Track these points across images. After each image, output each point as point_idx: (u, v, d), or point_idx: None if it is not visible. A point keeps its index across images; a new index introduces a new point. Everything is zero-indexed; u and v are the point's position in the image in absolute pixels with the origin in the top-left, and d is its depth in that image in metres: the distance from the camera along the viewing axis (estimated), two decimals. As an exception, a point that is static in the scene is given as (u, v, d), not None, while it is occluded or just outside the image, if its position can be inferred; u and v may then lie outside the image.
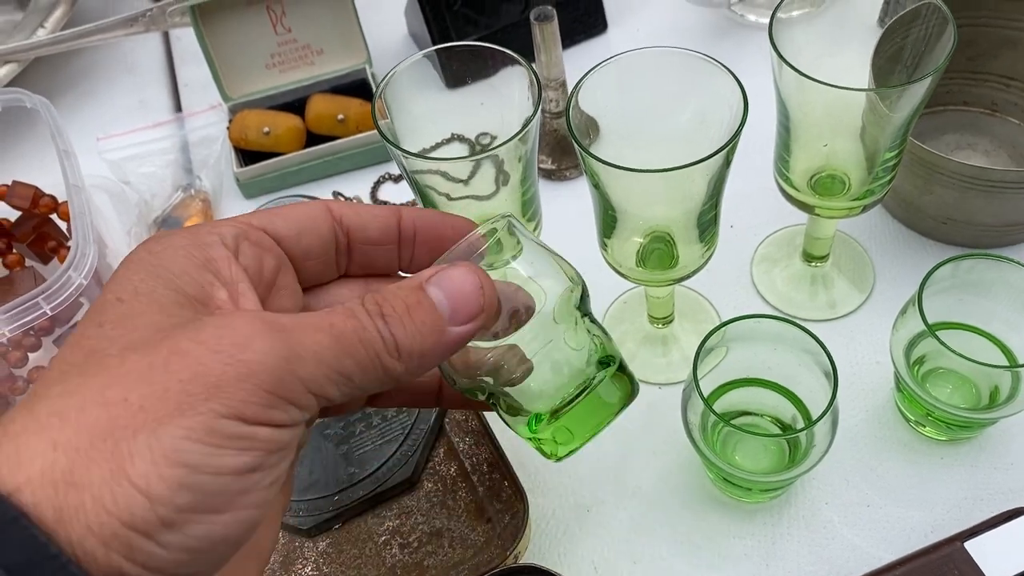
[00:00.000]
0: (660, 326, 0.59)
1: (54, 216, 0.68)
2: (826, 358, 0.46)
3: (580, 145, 0.44)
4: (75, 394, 0.27)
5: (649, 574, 0.51)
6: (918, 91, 0.46)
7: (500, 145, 0.45)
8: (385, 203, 0.70)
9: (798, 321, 0.48)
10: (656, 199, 0.47)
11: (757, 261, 0.63)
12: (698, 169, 0.43)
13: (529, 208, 0.51)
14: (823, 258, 0.60)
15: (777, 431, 0.52)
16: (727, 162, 0.45)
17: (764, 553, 0.51)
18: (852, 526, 0.51)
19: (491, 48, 0.47)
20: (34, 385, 0.39)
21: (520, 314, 0.35)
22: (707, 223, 0.49)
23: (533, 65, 0.49)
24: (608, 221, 0.49)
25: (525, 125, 0.45)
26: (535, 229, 0.53)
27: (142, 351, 0.27)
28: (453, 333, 0.31)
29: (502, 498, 0.51)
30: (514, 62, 0.47)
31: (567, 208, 0.65)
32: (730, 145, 0.43)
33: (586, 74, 0.47)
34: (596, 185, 0.47)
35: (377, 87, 0.46)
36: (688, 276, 0.51)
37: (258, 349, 0.27)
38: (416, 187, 0.48)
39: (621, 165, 0.43)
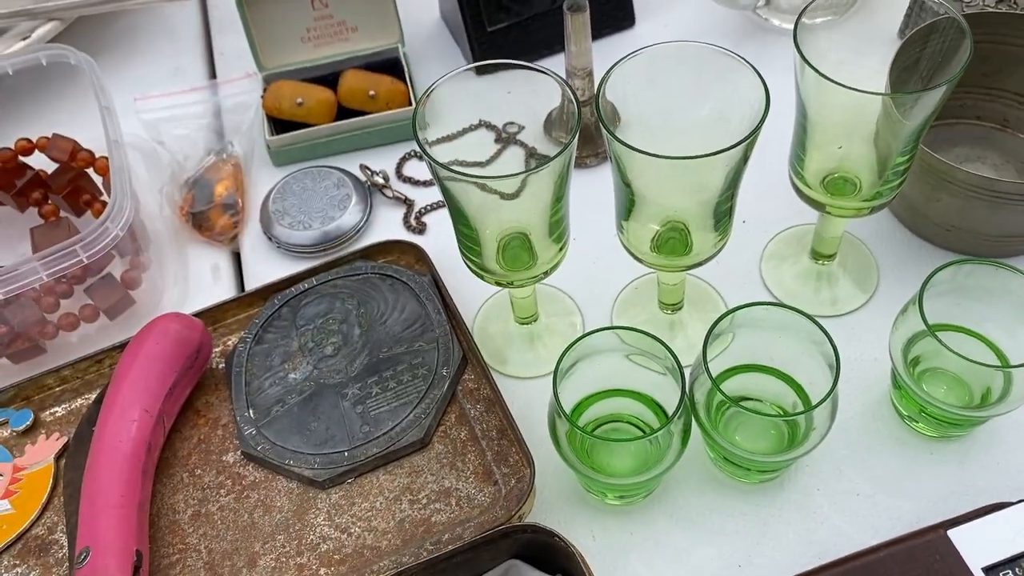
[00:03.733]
0: (669, 312, 0.62)
1: (90, 171, 0.70)
2: (830, 347, 0.48)
3: (608, 130, 0.46)
4: None
5: (645, 545, 0.53)
6: (931, 99, 0.48)
7: (536, 168, 0.46)
8: (409, 179, 0.73)
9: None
10: (675, 188, 0.50)
11: (766, 257, 0.65)
12: (718, 159, 0.45)
13: (557, 228, 0.52)
14: (830, 257, 0.62)
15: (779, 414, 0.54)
16: (745, 157, 0.48)
17: (756, 532, 0.53)
18: (841, 512, 0.54)
19: (533, 67, 0.49)
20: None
21: None
22: (722, 214, 0.51)
23: (563, 71, 0.50)
24: (627, 206, 0.52)
25: (564, 148, 0.46)
26: (561, 249, 0.54)
27: None
28: None
29: (509, 463, 0.53)
30: (554, 80, 0.49)
31: (586, 195, 0.67)
32: (750, 139, 0.45)
33: (616, 63, 0.49)
34: (619, 171, 0.49)
35: (418, 100, 0.48)
36: (700, 263, 0.53)
37: None
38: (441, 185, 0.50)
39: (649, 152, 0.45)
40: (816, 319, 0.49)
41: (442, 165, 0.47)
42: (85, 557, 0.49)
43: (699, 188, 0.49)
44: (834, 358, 0.48)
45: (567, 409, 0.51)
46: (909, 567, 0.45)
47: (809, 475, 0.55)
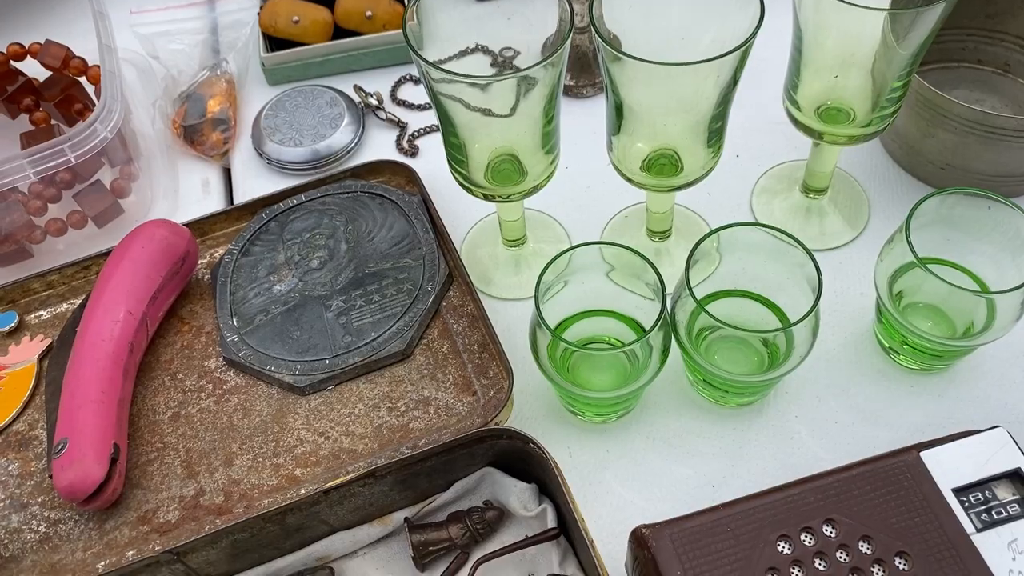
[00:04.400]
0: (657, 240, 0.61)
1: (83, 80, 0.70)
2: (813, 268, 0.48)
3: (600, 35, 0.46)
4: None
5: (621, 463, 0.54)
6: (930, 18, 0.47)
7: (527, 68, 0.45)
8: (404, 102, 0.72)
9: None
10: (666, 104, 0.49)
11: (757, 191, 0.65)
12: (709, 68, 0.44)
13: (549, 141, 0.52)
14: (822, 191, 0.62)
15: (759, 341, 0.54)
16: (735, 76, 0.47)
17: (732, 454, 0.54)
18: (819, 439, 0.54)
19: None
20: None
21: None
22: (713, 134, 0.51)
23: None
24: (617, 121, 0.51)
25: (555, 51, 0.46)
26: (552, 162, 0.54)
27: None
28: None
29: (489, 375, 0.54)
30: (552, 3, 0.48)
31: (583, 126, 0.67)
32: (743, 48, 0.45)
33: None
34: (611, 84, 0.49)
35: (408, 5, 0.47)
36: (691, 184, 0.53)
37: None
38: (433, 96, 0.49)
39: (640, 57, 0.44)
40: (799, 240, 0.49)
41: (434, 65, 0.46)
42: (62, 448, 0.50)
43: (690, 106, 0.49)
44: (816, 280, 0.48)
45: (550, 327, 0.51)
46: (881, 485, 0.45)
47: (788, 402, 0.55)
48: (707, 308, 0.54)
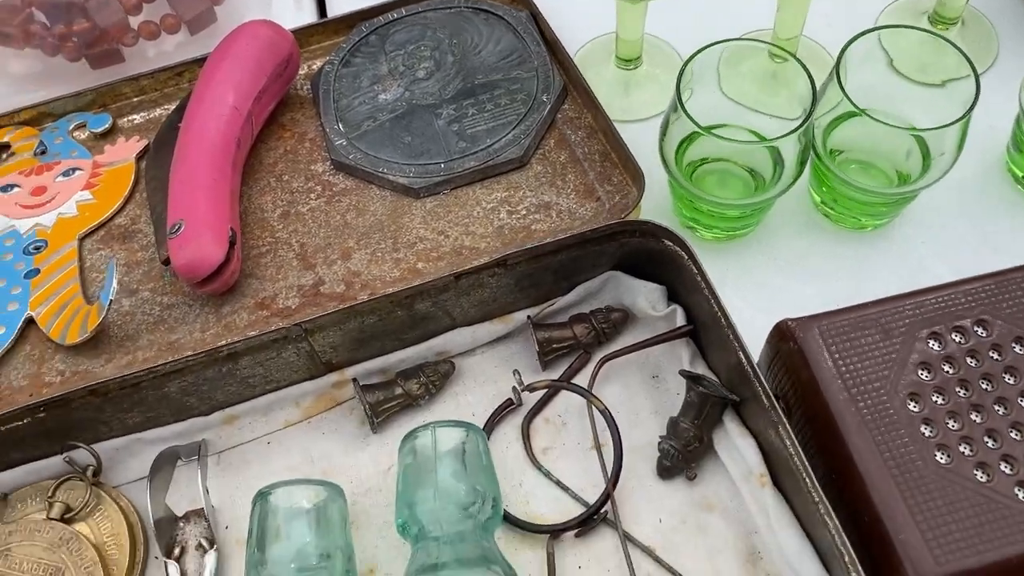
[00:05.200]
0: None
1: None
2: (973, 82, 0.46)
3: None
4: None
5: (742, 281, 0.52)
6: None
7: None
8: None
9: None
10: None
11: (881, 21, 0.62)
12: None
13: None
14: (952, 22, 0.59)
15: (891, 164, 0.52)
16: None
17: (856, 276, 0.52)
18: (946, 263, 0.52)
19: None
20: None
21: None
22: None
23: None
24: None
25: None
26: None
27: None
28: None
29: (612, 182, 0.52)
30: None
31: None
32: None
33: None
34: None
35: None
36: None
37: None
38: None
39: None
40: (959, 47, 0.47)
41: None
42: (178, 228, 0.48)
43: None
44: (974, 90, 0.46)
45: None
46: (1010, 295, 0.44)
47: (914, 227, 0.54)
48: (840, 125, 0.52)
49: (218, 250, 0.47)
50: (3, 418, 0.43)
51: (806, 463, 0.39)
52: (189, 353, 0.43)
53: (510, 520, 0.44)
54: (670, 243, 0.46)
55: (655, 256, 0.47)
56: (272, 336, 0.44)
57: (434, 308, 0.47)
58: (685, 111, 0.46)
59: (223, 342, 0.44)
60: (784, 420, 0.40)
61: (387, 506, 0.45)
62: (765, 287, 0.53)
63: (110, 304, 0.46)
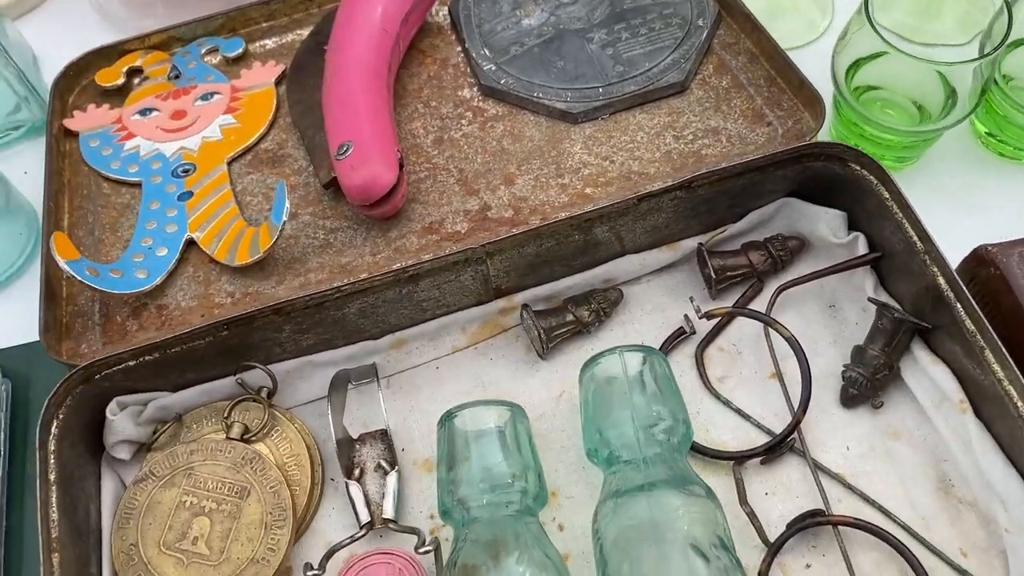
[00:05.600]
0: None
1: None
2: None
3: None
4: None
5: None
6: None
7: None
8: None
9: None
10: None
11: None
12: None
13: None
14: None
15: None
16: None
17: (1021, 208, 0.51)
18: (1116, 198, 0.51)
19: None
20: None
21: None
22: None
23: None
24: None
25: None
26: None
27: None
28: None
29: (783, 107, 0.50)
30: None
31: None
32: None
33: None
34: None
35: None
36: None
37: None
38: None
39: None
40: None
41: None
42: (347, 150, 0.47)
43: None
44: None
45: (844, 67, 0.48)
46: None
47: (1084, 161, 0.52)
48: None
49: (390, 171, 0.46)
50: (186, 336, 0.42)
51: (1021, 383, 0.38)
52: (372, 274, 0.43)
53: (694, 447, 0.43)
54: (856, 167, 0.45)
55: (836, 182, 0.46)
56: (455, 258, 0.43)
57: (609, 233, 0.46)
58: (872, 24, 0.44)
59: (405, 263, 0.43)
60: (997, 342, 0.39)
61: (562, 431, 0.45)
62: (927, 217, 0.51)
63: (284, 224, 0.45)
